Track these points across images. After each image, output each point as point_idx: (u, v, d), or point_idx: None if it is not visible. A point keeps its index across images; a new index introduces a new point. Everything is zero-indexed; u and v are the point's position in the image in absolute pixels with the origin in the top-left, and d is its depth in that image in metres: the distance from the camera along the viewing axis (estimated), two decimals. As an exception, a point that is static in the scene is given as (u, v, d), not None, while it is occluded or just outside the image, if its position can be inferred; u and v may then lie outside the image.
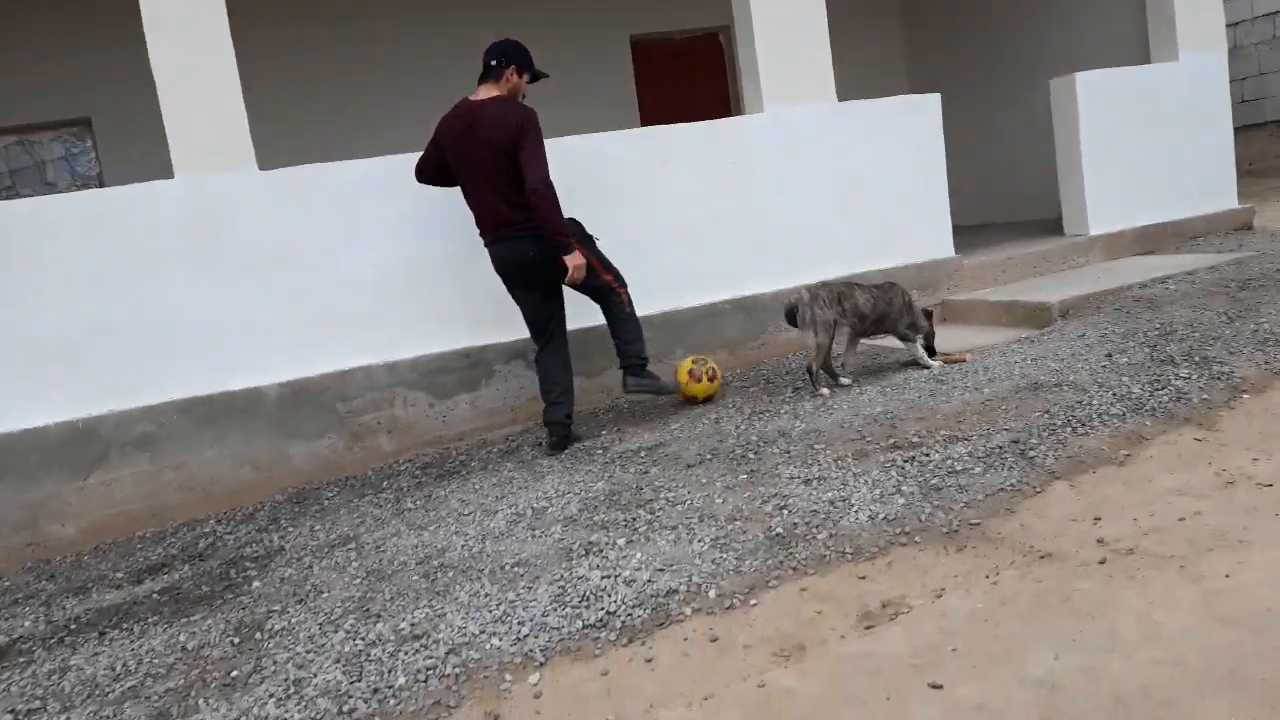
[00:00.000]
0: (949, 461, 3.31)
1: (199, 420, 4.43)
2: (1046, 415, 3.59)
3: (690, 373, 4.73)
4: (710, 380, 4.76)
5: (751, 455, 3.78)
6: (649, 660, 2.39)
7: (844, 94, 5.77)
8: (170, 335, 4.38)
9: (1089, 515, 2.77)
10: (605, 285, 4.40)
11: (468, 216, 4.49)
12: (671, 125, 5.38)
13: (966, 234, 7.49)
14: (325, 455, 4.63)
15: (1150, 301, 4.94)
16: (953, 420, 3.76)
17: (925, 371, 4.61)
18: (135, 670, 2.83)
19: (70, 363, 4.23)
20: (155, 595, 3.48)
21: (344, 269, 4.64)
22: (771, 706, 2.09)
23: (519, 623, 2.66)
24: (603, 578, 2.85)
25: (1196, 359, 3.91)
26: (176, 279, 4.39)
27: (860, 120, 5.69)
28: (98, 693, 2.73)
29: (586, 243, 4.38)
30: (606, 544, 3.11)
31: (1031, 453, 3.26)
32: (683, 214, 5.31)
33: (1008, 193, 8.45)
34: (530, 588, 2.87)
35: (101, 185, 7.34)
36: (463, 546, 3.36)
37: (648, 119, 8.50)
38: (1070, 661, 2.03)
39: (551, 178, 4.05)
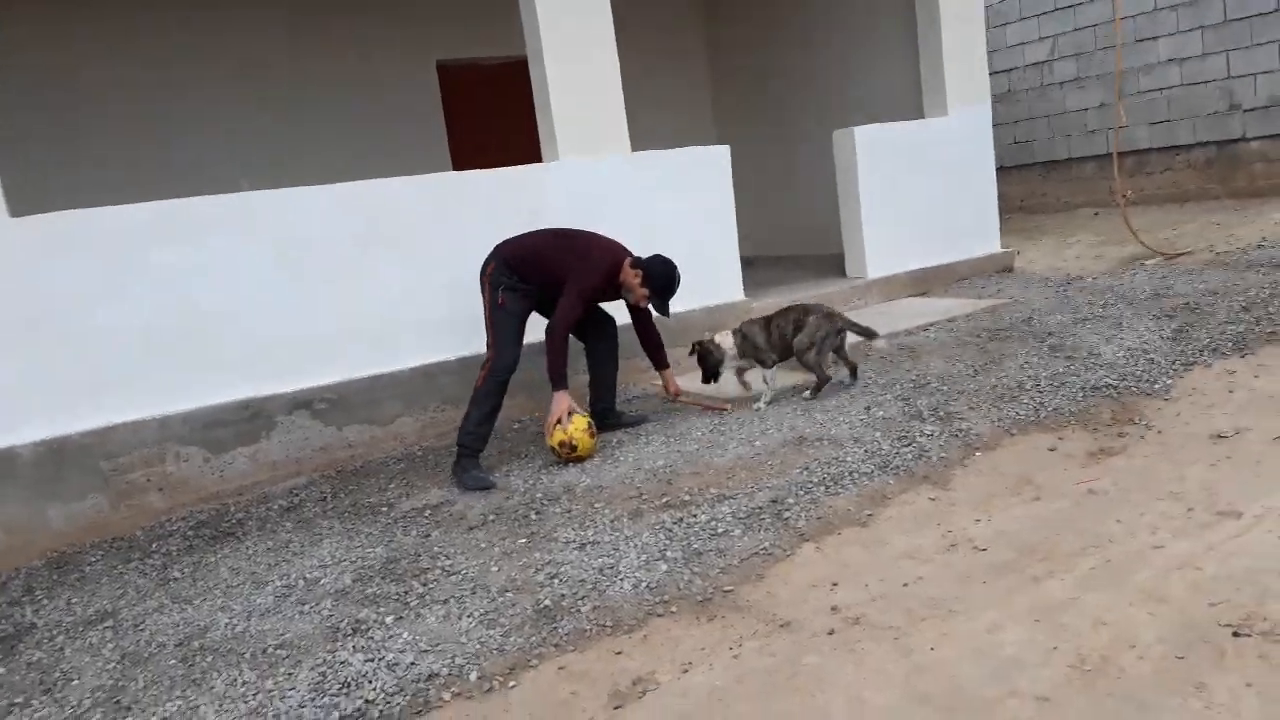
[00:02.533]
0: (713, 523, 3.50)
1: (-59, 481, 4.08)
2: (805, 472, 3.86)
3: (590, 428, 4.49)
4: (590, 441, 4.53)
5: (534, 515, 3.86)
6: (402, 754, 2.42)
7: (657, 138, 5.97)
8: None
9: (828, 581, 3.01)
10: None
11: (247, 264, 4.37)
12: (463, 172, 5.40)
13: (761, 267, 7.91)
14: (89, 516, 4.37)
15: (912, 350, 5.38)
16: (724, 476, 3.97)
17: (704, 421, 4.83)
18: None
19: None
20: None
21: (107, 320, 4.39)
22: (512, 803, 2.16)
23: (274, 715, 2.63)
24: (365, 661, 2.84)
25: (941, 414, 4.30)
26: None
27: (654, 171, 5.89)
28: None
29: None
30: (375, 621, 3.10)
31: (787, 513, 3.50)
32: (472, 262, 5.32)
33: (801, 228, 8.98)
34: (290, 674, 2.83)
35: None
36: (226, 624, 3.26)
37: (458, 151, 8.46)
38: (784, 744, 2.21)
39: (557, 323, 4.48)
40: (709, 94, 10.12)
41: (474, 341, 5.28)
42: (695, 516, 3.58)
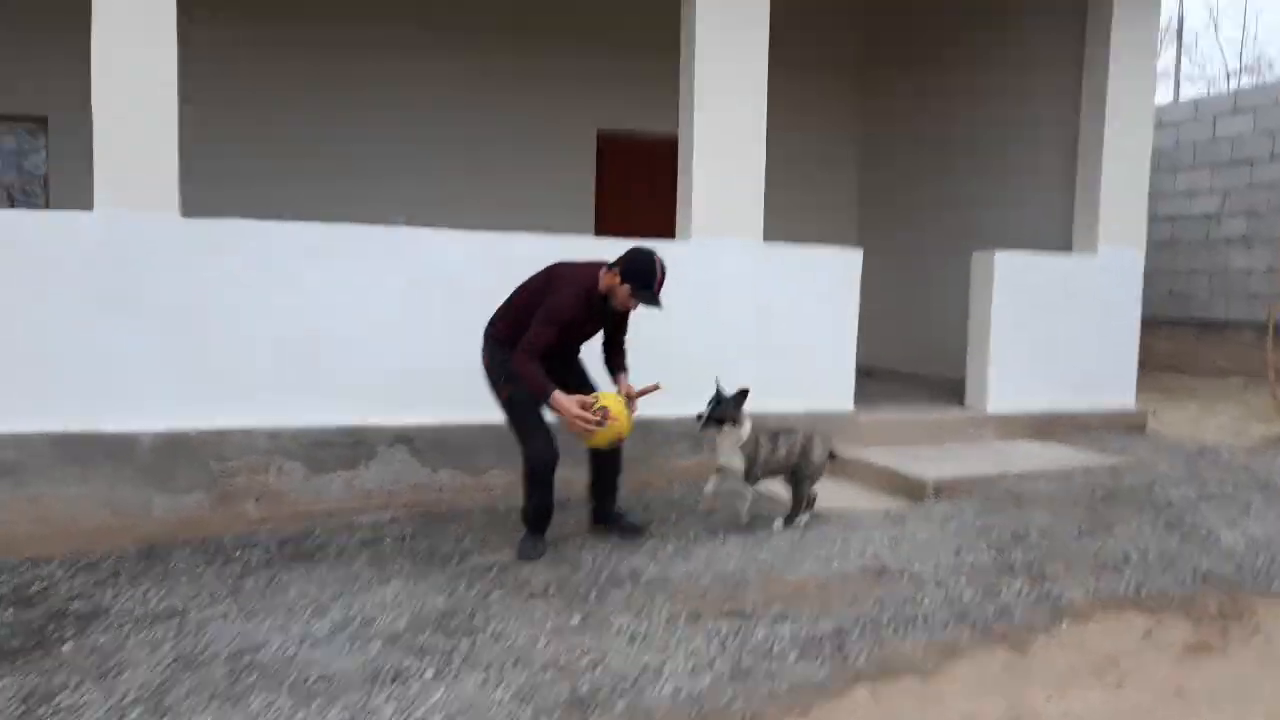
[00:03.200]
0: (769, 642, 3.39)
1: (68, 456, 4.41)
2: (878, 606, 3.70)
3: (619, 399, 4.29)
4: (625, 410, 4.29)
5: (593, 596, 3.84)
6: (406, 818, 2.41)
7: (795, 229, 6.00)
8: (55, 367, 4.37)
9: (874, 732, 2.86)
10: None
11: (381, 295, 4.64)
12: (598, 237, 5.56)
13: (876, 380, 7.75)
14: (189, 512, 4.61)
15: (1018, 498, 5.12)
16: (793, 592, 3.85)
17: (787, 531, 4.71)
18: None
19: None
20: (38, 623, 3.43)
21: (246, 330, 4.68)
22: None
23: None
24: (395, 714, 2.87)
25: (1034, 572, 4.06)
26: (75, 312, 4.39)
27: (783, 263, 5.90)
28: None
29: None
30: (415, 673, 3.13)
31: (848, 647, 3.36)
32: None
33: (924, 346, 8.76)
34: (322, 711, 2.88)
35: (46, 186, 7.34)
36: (279, 646, 3.35)
37: (603, 216, 8.72)
38: None
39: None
40: (853, 196, 10.09)
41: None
42: (754, 631, 3.48)
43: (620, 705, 2.95)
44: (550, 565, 4.22)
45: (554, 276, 4.30)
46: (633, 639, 3.42)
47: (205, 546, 4.44)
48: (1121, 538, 4.50)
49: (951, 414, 6.55)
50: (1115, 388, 7.06)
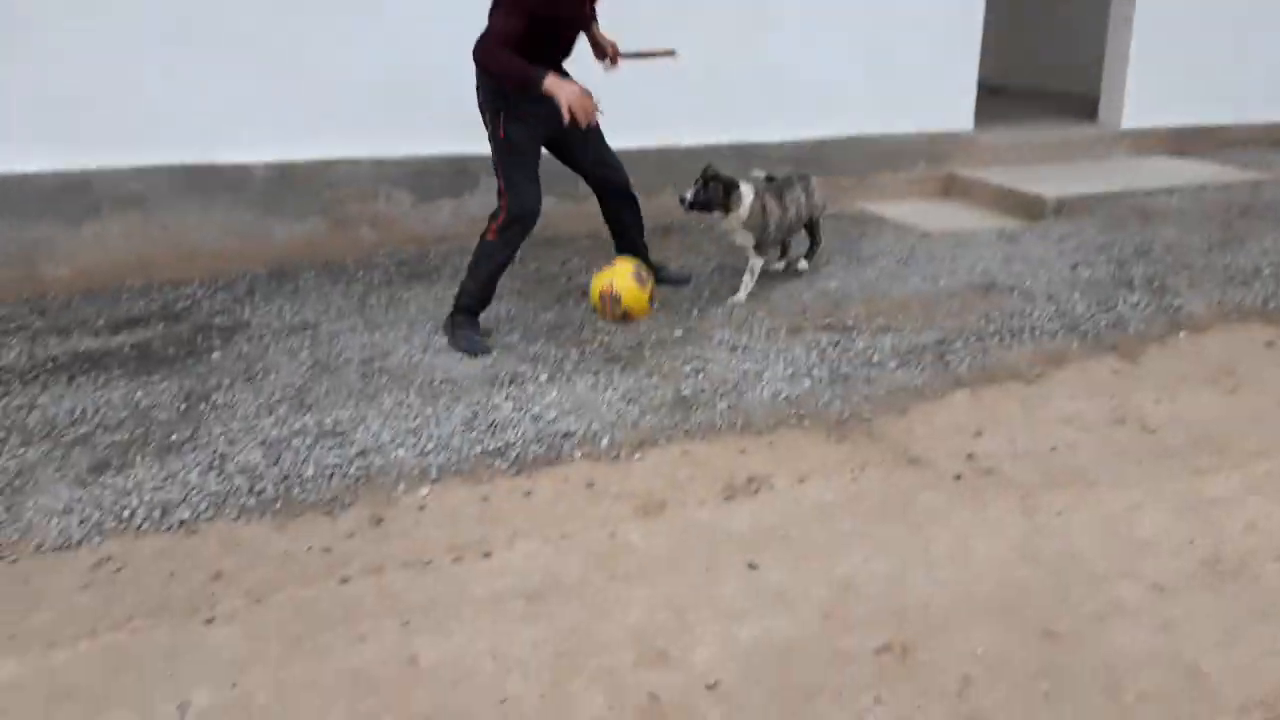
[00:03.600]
0: (869, 352, 3.44)
1: (186, 187, 4.59)
2: (984, 320, 3.68)
3: (635, 275, 3.61)
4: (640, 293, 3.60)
5: (695, 312, 3.92)
6: (527, 494, 2.64)
7: None
8: (164, 103, 4.46)
9: (972, 428, 2.93)
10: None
11: (467, 22, 4.43)
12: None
13: (999, 98, 7.26)
14: (307, 236, 4.81)
15: (1145, 213, 4.86)
16: (895, 308, 3.85)
17: (896, 250, 4.63)
18: (90, 419, 3.15)
19: (66, 117, 4.34)
20: (127, 349, 3.77)
21: (344, 61, 4.63)
22: (611, 556, 2.34)
23: (427, 438, 2.92)
24: (514, 409, 3.08)
25: (1155, 286, 3.92)
26: (177, 50, 4.41)
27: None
28: (54, 433, 3.05)
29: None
30: (530, 377, 3.32)
31: (950, 356, 3.38)
32: (693, 49, 5.17)
33: (1054, 59, 8.09)
34: (449, 407, 3.11)
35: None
36: (405, 354, 3.59)
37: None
38: (876, 567, 2.25)
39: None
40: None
41: (672, 130, 5.23)
42: (853, 342, 3.53)
43: (721, 405, 3.09)
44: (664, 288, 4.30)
45: None
46: (733, 349, 3.52)
47: (328, 268, 4.67)
48: (1254, 252, 4.27)
49: (1081, 131, 6.13)
50: (1268, 99, 6.43)
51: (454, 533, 2.47)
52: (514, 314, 3.97)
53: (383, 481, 2.71)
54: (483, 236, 3.70)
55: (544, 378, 3.32)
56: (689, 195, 3.85)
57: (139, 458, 2.88)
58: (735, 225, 3.95)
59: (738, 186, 3.89)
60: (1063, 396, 3.12)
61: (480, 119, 3.67)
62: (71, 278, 4.49)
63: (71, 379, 3.48)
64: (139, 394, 3.33)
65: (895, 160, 5.68)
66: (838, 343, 3.53)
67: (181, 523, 2.55)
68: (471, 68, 3.54)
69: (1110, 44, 6.17)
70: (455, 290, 3.74)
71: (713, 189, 3.85)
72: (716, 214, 3.92)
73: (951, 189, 5.72)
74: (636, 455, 2.82)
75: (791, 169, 4.46)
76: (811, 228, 4.38)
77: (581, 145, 3.82)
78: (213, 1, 4.44)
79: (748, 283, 4.03)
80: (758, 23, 5.23)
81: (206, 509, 2.60)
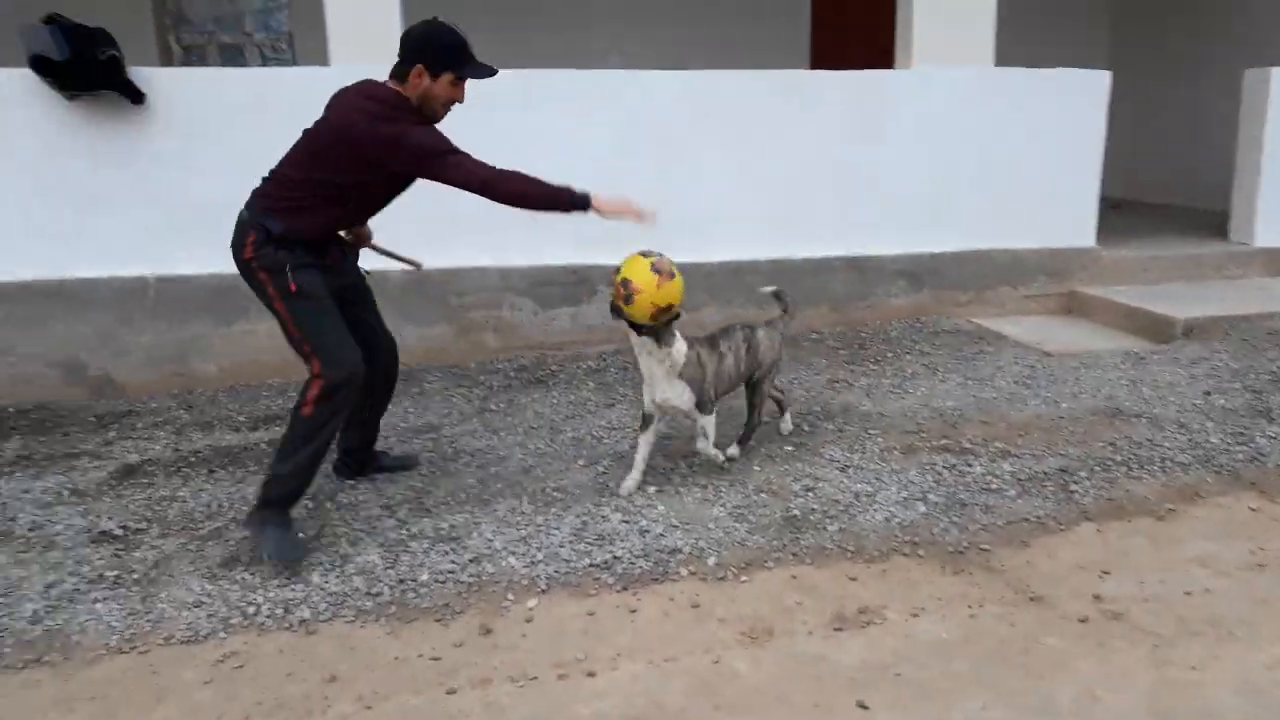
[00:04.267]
0: (989, 477, 3.35)
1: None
2: (1110, 448, 3.54)
3: (655, 267, 3.07)
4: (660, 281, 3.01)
5: (805, 427, 3.91)
6: (633, 611, 2.65)
7: (1035, 51, 5.51)
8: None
9: (1099, 567, 2.80)
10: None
11: (587, 138, 4.69)
12: (805, 71, 5.33)
13: (1122, 214, 7.12)
14: (435, 341, 5.05)
15: (1286, 339, 4.63)
16: (1015, 432, 3.75)
17: (1014, 369, 4.52)
18: (225, 512, 3.33)
19: (224, 225, 4.72)
20: (263, 445, 3.99)
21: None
22: (715, 684, 2.31)
23: (537, 547, 2.97)
24: (622, 521, 3.11)
25: (1298, 418, 3.71)
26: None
27: (1016, 89, 5.42)
28: (190, 526, 3.24)
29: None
30: (639, 490, 3.36)
31: (1074, 487, 3.26)
32: (805, 162, 5.30)
33: (1181, 175, 7.88)
34: (560, 516, 3.17)
35: (291, 44, 7.86)
36: (520, 460, 3.69)
37: (819, 51, 8.28)
38: (994, 716, 2.15)
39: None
40: (1104, 7, 8.97)
41: (787, 243, 5.31)
42: (971, 466, 3.44)
43: (832, 528, 3.05)
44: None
45: (364, 115, 2.89)
46: (845, 468, 3.48)
47: (452, 372, 4.87)
48: None
49: (1210, 249, 5.91)
50: None
51: (559, 649, 2.49)
52: (624, 422, 4.04)
53: (493, 590, 2.77)
54: (296, 411, 2.95)
55: (652, 489, 3.35)
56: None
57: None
58: (669, 371, 3.21)
59: (679, 314, 3.14)
60: (1197, 536, 2.96)
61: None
62: (218, 374, 4.82)
63: (211, 473, 3.71)
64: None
65: (1013, 275, 5.60)
66: (954, 466, 3.45)
67: (302, 622, 2.65)
68: None
69: (1240, 159, 5.99)
70: (268, 480, 2.98)
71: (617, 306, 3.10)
72: (650, 347, 3.16)
73: (1074, 306, 5.58)
74: (743, 577, 2.80)
75: (740, 323, 3.64)
76: (753, 388, 3.62)
77: (363, 306, 3.33)
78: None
79: (705, 446, 3.36)
80: (869, 135, 5.31)
81: (325, 610, 2.70)
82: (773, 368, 3.63)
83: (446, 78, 2.99)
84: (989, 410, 4.01)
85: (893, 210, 5.42)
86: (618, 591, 2.75)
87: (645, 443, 3.37)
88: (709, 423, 3.35)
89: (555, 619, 2.62)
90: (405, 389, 4.63)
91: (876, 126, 5.33)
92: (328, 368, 2.96)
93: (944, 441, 3.69)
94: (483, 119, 4.90)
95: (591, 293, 5.16)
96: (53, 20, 4.31)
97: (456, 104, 3.13)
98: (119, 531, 3.21)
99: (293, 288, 2.92)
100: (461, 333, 5.08)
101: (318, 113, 4.84)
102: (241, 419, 4.32)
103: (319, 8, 4.76)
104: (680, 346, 3.22)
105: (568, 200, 2.98)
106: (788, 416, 3.88)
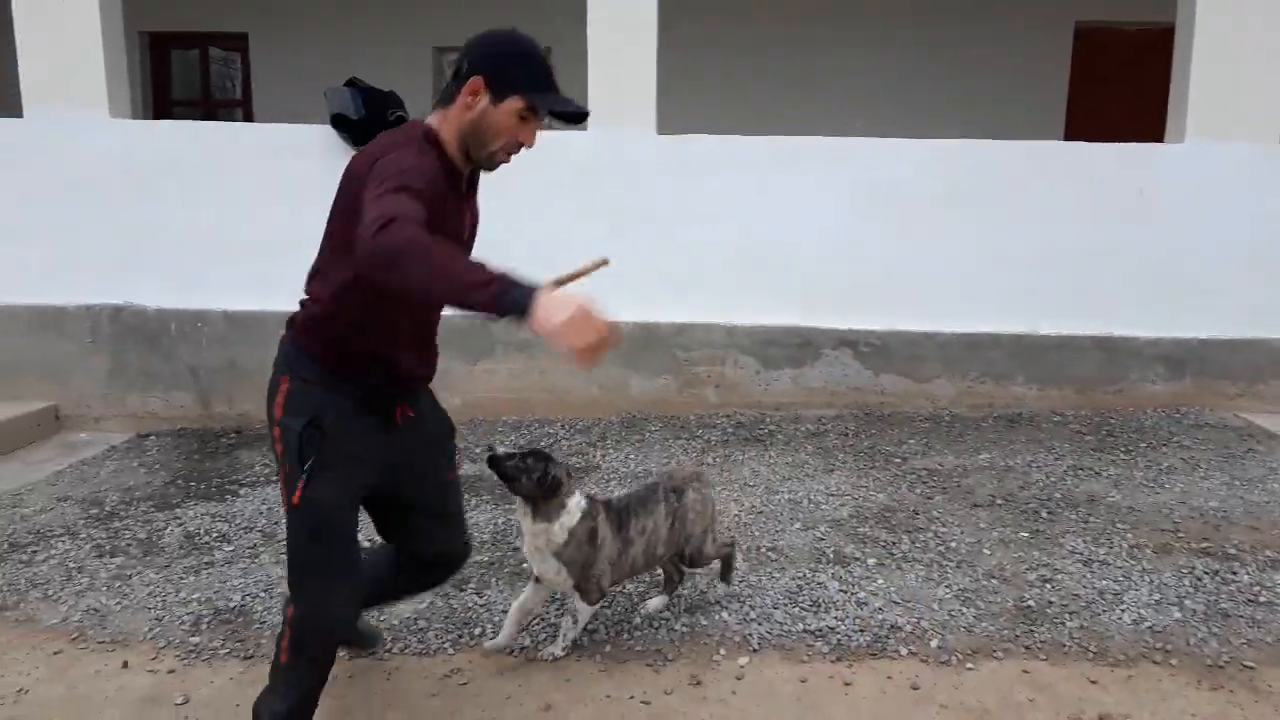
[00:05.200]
0: (1257, 588, 3.00)
1: (567, 337, 5.16)
2: None
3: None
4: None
5: (1044, 514, 3.66)
6: (847, 684, 2.57)
7: None
8: (554, 262, 5.10)
9: (1396, 706, 2.42)
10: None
11: (831, 203, 4.70)
12: (1063, 143, 5.10)
13: None
14: (659, 392, 5.18)
15: None
16: (1292, 542, 3.34)
17: (1293, 473, 4.04)
18: (459, 538, 3.55)
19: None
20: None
21: (705, 235, 5.06)
22: (934, 772, 2.19)
23: (750, 606, 2.95)
24: (839, 590, 3.03)
25: None
26: (569, 217, 5.07)
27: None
28: (430, 547, 3.47)
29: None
30: (857, 559, 3.27)
31: (1366, 610, 2.85)
32: (1056, 236, 5.04)
33: None
34: (774, 577, 3.14)
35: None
36: (735, 515, 3.69)
37: (1074, 120, 7.88)
38: None
39: None
40: None
41: (1030, 318, 5.06)
42: (1236, 574, 3.09)
43: (1072, 624, 2.82)
44: (995, 476, 4.09)
45: (366, 156, 1.97)
46: (1087, 562, 3.23)
47: (672, 423, 4.97)
48: None
49: None
50: None
51: (769, 712, 2.45)
52: (844, 489, 3.95)
53: (705, 643, 2.77)
54: (275, 652, 2.28)
55: (872, 562, 3.25)
56: (500, 450, 2.57)
57: (494, 580, 3.19)
58: (543, 544, 2.58)
59: (562, 485, 2.57)
60: None
61: None
62: (461, 407, 5.16)
63: (449, 498, 3.96)
64: (501, 520, 3.72)
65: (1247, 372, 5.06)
66: (1216, 572, 3.11)
67: (522, 649, 2.76)
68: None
69: None
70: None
71: (531, 465, 2.54)
72: (519, 511, 2.62)
73: (1367, 407, 4.93)
74: (969, 664, 2.64)
75: (665, 479, 2.88)
76: (684, 559, 2.86)
77: (425, 493, 2.35)
78: (622, 182, 5.06)
79: (567, 632, 2.71)
80: (1131, 211, 4.99)
81: (545, 639, 2.80)
82: (705, 535, 2.85)
83: (514, 105, 2.01)
84: (1259, 515, 3.59)
85: (1154, 290, 5.04)
86: (832, 662, 2.67)
87: (518, 604, 2.73)
88: (584, 613, 2.68)
89: (766, 681, 2.59)
90: (628, 435, 4.77)
91: (1141, 202, 5.00)
92: (299, 615, 2.16)
93: (1205, 544, 3.34)
94: (695, 185, 5.09)
95: (816, 355, 5.13)
96: (352, 84, 4.88)
97: (527, 150, 2.13)
98: (368, 543, 3.49)
99: (295, 499, 2.02)
100: (684, 385, 5.19)
101: (569, 171, 5.19)
102: (478, 451, 4.60)
103: (582, 74, 5.08)
104: (565, 522, 2.56)
105: (492, 297, 1.60)
106: (732, 577, 3.01)
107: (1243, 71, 4.89)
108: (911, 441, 4.62)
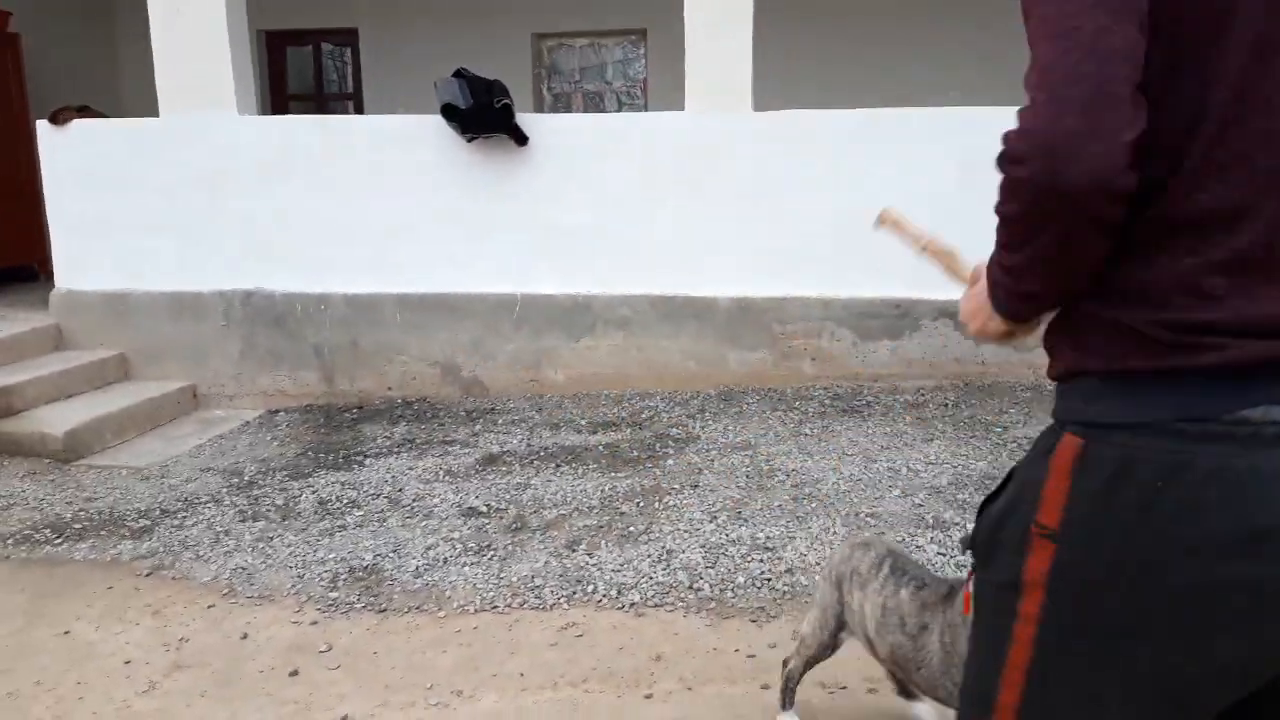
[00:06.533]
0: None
1: (663, 314, 5.31)
2: None
3: None
4: None
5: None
6: (945, 640, 2.66)
7: None
8: (653, 242, 5.26)
9: None
10: None
11: (919, 175, 4.70)
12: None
13: None
14: (756, 365, 5.28)
15: None
16: None
17: None
18: (568, 502, 3.75)
19: (579, 250, 5.30)
20: (600, 447, 4.43)
21: (803, 208, 5.12)
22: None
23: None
24: (938, 553, 3.11)
25: None
26: (667, 197, 5.20)
27: None
28: (540, 510, 3.69)
29: None
30: (957, 524, 3.33)
31: None
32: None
33: None
34: (872, 540, 3.23)
35: (645, 90, 8.58)
36: (834, 483, 3.79)
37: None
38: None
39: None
40: None
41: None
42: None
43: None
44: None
45: None
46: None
47: (769, 395, 5.08)
48: None
49: None
50: None
51: (868, 665, 2.55)
52: (943, 457, 4.00)
53: (806, 600, 2.89)
54: None
55: (970, 527, 3.30)
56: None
57: (603, 542, 3.38)
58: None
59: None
60: None
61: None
62: (565, 383, 5.38)
63: (557, 467, 4.18)
64: (607, 487, 3.90)
65: None
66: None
67: (632, 604, 2.94)
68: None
69: None
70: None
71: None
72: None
73: None
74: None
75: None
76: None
77: None
78: (719, 161, 5.18)
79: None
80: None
81: (653, 596, 2.97)
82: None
83: None
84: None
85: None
86: (930, 619, 2.76)
87: None
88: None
89: (865, 636, 2.69)
90: (726, 408, 4.90)
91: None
92: None
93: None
94: (840, 155, 5.14)
95: (914, 327, 5.14)
96: (460, 74, 5.11)
97: None
98: (484, 509, 3.73)
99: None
100: (781, 358, 5.28)
101: (667, 152, 5.24)
102: (583, 423, 4.81)
103: (676, 57, 5.19)
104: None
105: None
106: None
107: None
108: (1013, 411, 4.61)
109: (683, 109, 5.16)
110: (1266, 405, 0.94)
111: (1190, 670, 0.99)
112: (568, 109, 8.58)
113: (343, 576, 3.25)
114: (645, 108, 8.42)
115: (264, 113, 8.36)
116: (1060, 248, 0.98)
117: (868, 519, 3.42)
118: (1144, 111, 0.92)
